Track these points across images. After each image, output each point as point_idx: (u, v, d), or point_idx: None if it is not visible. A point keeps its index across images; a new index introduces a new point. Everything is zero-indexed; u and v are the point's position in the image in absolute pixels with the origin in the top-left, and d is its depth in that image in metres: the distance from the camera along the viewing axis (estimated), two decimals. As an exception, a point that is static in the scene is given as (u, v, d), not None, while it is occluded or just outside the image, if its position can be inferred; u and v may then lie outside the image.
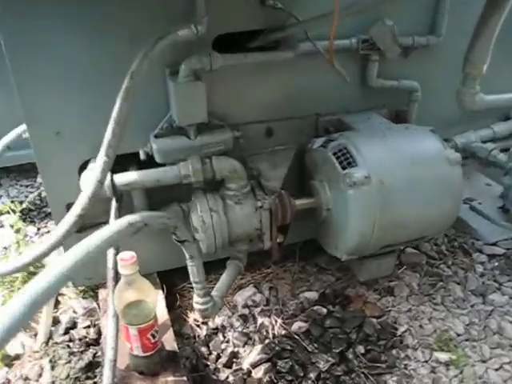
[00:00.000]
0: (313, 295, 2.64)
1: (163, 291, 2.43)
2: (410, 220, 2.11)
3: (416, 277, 2.82)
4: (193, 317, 2.50)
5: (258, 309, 2.55)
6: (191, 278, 1.86)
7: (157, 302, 1.90)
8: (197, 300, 1.90)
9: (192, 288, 1.93)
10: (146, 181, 1.93)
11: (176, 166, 1.96)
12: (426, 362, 2.25)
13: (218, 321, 2.49)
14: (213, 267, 2.57)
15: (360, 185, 1.98)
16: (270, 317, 2.51)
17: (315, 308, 2.50)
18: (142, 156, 2.07)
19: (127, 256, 1.66)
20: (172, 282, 2.69)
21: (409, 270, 2.89)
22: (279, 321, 2.48)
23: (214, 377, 2.20)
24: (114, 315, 1.76)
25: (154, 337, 1.85)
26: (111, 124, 1.57)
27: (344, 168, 2.04)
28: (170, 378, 1.90)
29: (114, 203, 2.09)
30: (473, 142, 2.93)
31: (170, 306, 2.48)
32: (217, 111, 2.19)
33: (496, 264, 2.85)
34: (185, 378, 1.92)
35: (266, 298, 2.63)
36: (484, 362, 2.23)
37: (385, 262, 2.42)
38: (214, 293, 2.04)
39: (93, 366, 2.18)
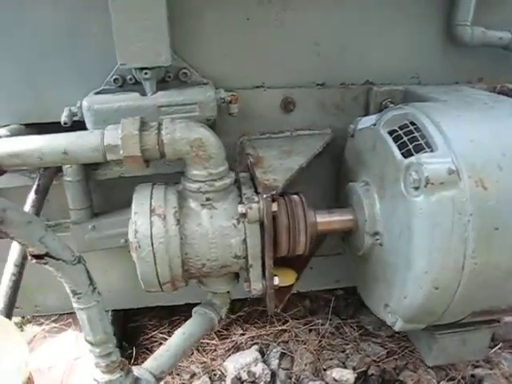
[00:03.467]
0: (347, 375, 1.61)
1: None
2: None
3: (521, 364, 1.71)
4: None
5: (256, 388, 1.54)
6: (84, 335, 0.93)
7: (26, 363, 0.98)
8: (96, 376, 0.97)
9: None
10: (45, 150, 1.05)
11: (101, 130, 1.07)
12: None
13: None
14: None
15: (438, 185, 0.96)
16: (272, 405, 1.50)
17: (349, 400, 1.44)
18: (64, 119, 1.21)
19: None
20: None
21: (506, 350, 1.78)
22: (285, 415, 1.46)
23: None
24: None
25: None
26: None
27: (408, 155, 1.04)
28: None
29: (31, 194, 1.28)
30: None
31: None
32: (203, 68, 1.32)
33: None
34: None
35: (271, 372, 1.61)
36: None
37: (473, 340, 1.33)
38: (147, 364, 1.08)
39: None
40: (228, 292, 1.26)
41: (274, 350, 1.70)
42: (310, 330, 1.82)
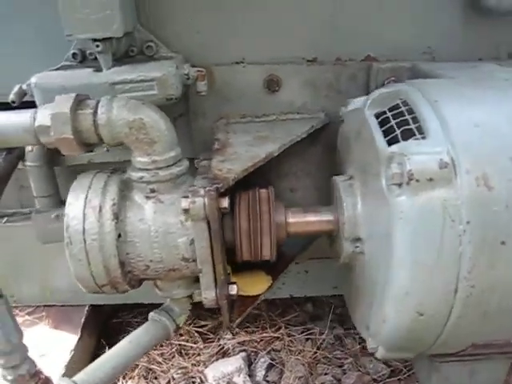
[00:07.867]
0: (341, 397, 1.37)
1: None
2: None
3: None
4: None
5: (234, 402, 1.36)
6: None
7: None
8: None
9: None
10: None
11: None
12: None
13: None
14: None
15: (425, 183, 0.72)
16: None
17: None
18: (13, 96, 1.06)
19: None
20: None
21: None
22: None
23: None
24: None
25: None
26: None
27: (393, 143, 0.80)
28: None
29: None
30: None
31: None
32: (174, 41, 1.13)
33: None
34: None
35: (254, 384, 1.41)
36: None
37: (484, 372, 1.06)
38: (78, 377, 0.92)
39: None
40: (190, 297, 1.08)
41: (262, 360, 1.50)
42: (307, 339, 1.60)
